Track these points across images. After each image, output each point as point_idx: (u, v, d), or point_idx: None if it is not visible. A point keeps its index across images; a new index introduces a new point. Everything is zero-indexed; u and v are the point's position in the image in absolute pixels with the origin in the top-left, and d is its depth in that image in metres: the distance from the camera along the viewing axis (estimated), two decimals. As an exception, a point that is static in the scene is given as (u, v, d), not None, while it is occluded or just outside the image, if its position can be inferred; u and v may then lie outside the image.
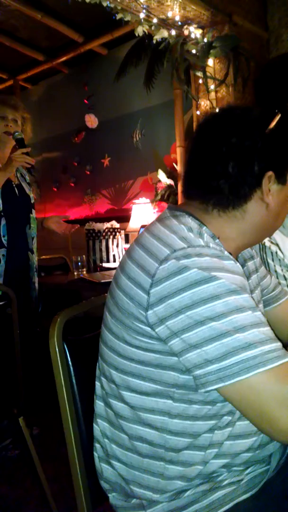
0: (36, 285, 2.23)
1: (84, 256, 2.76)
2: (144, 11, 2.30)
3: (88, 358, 0.94)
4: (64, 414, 0.88)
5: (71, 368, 0.91)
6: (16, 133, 2.07)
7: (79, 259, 2.69)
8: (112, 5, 2.25)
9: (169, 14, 2.41)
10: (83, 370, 0.93)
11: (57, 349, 0.89)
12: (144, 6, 2.27)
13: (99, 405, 0.89)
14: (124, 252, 2.97)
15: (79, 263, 2.68)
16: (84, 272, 2.66)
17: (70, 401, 0.89)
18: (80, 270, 2.67)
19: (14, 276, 2.04)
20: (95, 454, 0.88)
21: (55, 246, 3.85)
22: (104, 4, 2.22)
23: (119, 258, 2.95)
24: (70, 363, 0.91)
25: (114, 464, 0.84)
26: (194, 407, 0.78)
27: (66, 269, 3.30)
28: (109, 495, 0.86)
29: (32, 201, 2.24)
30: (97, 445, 0.88)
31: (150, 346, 0.77)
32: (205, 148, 0.84)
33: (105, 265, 2.74)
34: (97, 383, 0.90)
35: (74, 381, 0.91)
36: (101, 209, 3.91)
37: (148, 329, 0.75)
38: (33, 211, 2.23)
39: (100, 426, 0.87)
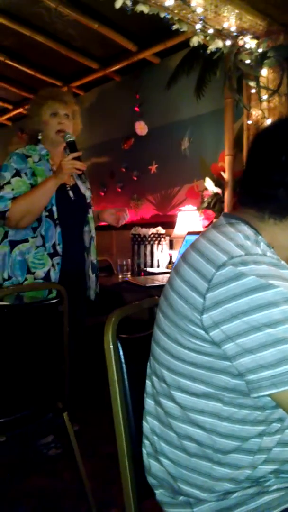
0: (94, 284, 2.21)
1: (129, 259, 2.81)
2: (200, 22, 2.34)
3: (139, 356, 0.98)
4: (115, 409, 0.92)
5: (124, 365, 0.95)
6: (68, 135, 2.00)
7: (124, 262, 2.74)
8: (169, 16, 2.30)
9: (225, 25, 2.43)
10: (134, 368, 0.96)
11: (111, 346, 0.93)
12: (201, 17, 2.31)
13: (149, 403, 0.91)
14: (168, 257, 3.01)
15: (124, 267, 2.73)
16: (129, 275, 2.70)
17: (121, 397, 0.92)
18: (124, 273, 2.72)
19: (69, 277, 2.01)
20: (143, 450, 0.91)
21: (99, 248, 3.94)
22: (162, 15, 2.27)
23: (163, 263, 2.98)
24: (123, 360, 0.94)
25: (162, 460, 0.87)
26: (244, 411, 0.79)
27: (110, 271, 3.36)
28: (156, 491, 0.89)
29: (89, 200, 2.20)
30: (146, 442, 0.91)
31: (202, 348, 0.79)
32: (263, 157, 0.86)
33: (149, 269, 2.78)
34: (148, 382, 0.93)
35: (126, 377, 0.94)
36: (146, 214, 3.96)
37: (201, 332, 0.77)
38: (90, 210, 2.20)
39: (149, 424, 0.90)
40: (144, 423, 0.92)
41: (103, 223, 2.37)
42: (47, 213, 1.97)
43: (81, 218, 2.15)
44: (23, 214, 1.91)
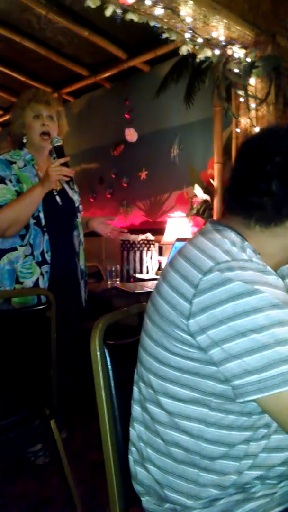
0: (83, 290, 2.18)
1: (118, 266, 2.81)
2: (190, 31, 2.36)
3: (126, 362, 0.97)
4: (101, 415, 0.91)
5: (110, 371, 0.94)
6: (55, 140, 1.94)
7: (113, 268, 2.73)
8: (159, 25, 2.32)
9: (214, 34, 2.46)
10: (121, 374, 0.96)
11: (98, 352, 0.93)
12: (190, 26, 2.33)
13: (136, 409, 0.91)
14: (157, 264, 3.01)
15: (113, 273, 2.73)
16: (118, 282, 2.70)
17: (108, 403, 0.92)
18: (113, 279, 2.72)
19: (60, 284, 1.98)
20: (130, 457, 0.91)
21: (89, 254, 3.93)
22: (151, 24, 2.29)
23: (152, 269, 2.98)
24: (109, 366, 0.94)
25: (149, 468, 0.86)
26: (230, 417, 0.79)
27: (99, 277, 3.36)
28: (142, 498, 0.88)
29: (77, 204, 2.15)
30: (132, 449, 0.90)
31: (189, 354, 0.79)
32: (249, 165, 0.86)
33: (138, 276, 2.78)
34: (135, 388, 0.93)
35: (112, 384, 0.94)
36: (135, 221, 3.97)
37: (188, 337, 0.78)
38: (79, 215, 2.16)
39: (136, 430, 0.90)
40: (131, 429, 0.91)
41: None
42: (34, 221, 1.93)
43: (70, 223, 2.11)
44: (10, 223, 1.85)
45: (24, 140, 2.05)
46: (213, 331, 0.74)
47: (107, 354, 0.94)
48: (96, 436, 2.40)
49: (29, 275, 1.92)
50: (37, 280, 1.93)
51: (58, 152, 1.92)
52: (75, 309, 2.15)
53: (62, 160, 1.86)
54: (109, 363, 0.94)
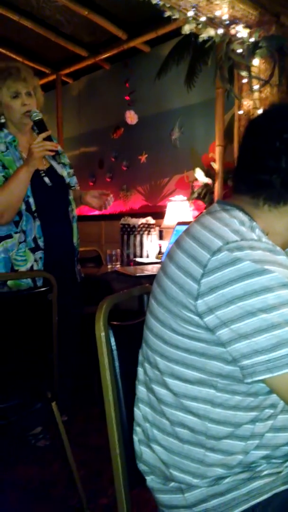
0: (76, 266, 2.14)
1: (118, 250, 2.80)
2: (193, 9, 2.31)
3: (130, 344, 0.97)
4: (106, 396, 0.91)
5: (115, 352, 0.94)
6: (34, 114, 1.85)
7: (113, 252, 2.72)
8: (161, 3, 2.27)
9: (217, 13, 2.41)
10: (125, 355, 0.95)
11: (102, 333, 0.92)
12: (193, 4, 2.28)
13: (141, 390, 0.91)
14: (157, 248, 3.00)
15: (113, 257, 2.71)
16: (118, 266, 2.69)
17: (113, 384, 0.91)
18: (113, 263, 2.71)
19: (58, 267, 1.94)
20: (135, 437, 0.91)
21: (88, 239, 3.92)
22: (154, 1, 2.24)
23: (153, 253, 2.97)
24: (114, 347, 0.94)
25: (154, 447, 0.86)
26: (237, 397, 0.79)
27: (98, 261, 3.34)
28: (147, 477, 0.88)
29: (68, 180, 2.06)
30: (137, 429, 0.90)
31: (196, 335, 0.78)
32: (257, 143, 0.85)
33: (138, 259, 2.77)
34: (140, 369, 0.92)
35: (117, 364, 0.93)
36: (135, 205, 3.94)
37: (196, 318, 0.77)
38: (70, 192, 2.08)
39: (141, 411, 0.90)
40: (136, 410, 0.91)
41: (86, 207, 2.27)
42: (24, 206, 1.88)
43: (63, 202, 2.04)
44: (2, 210, 1.81)
45: (3, 120, 1.97)
46: (222, 311, 0.73)
47: (111, 335, 0.94)
48: (96, 420, 2.44)
49: (23, 262, 1.89)
50: (31, 267, 1.91)
51: (39, 126, 1.85)
52: (72, 289, 2.11)
53: (43, 135, 1.78)
54: (113, 344, 0.94)
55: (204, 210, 0.91)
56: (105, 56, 3.85)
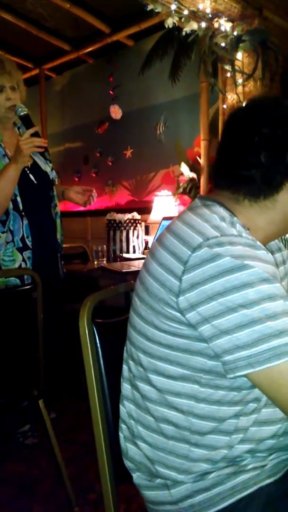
0: (60, 263, 2.13)
1: (104, 246, 2.79)
2: (175, 2, 2.29)
3: (115, 341, 0.97)
4: (91, 393, 0.91)
5: (99, 349, 0.93)
6: (19, 109, 1.80)
7: (99, 248, 2.71)
8: (143, -4, 2.25)
9: (200, 6, 2.40)
10: (110, 353, 0.95)
11: (86, 331, 0.92)
12: (176, -2, 2.27)
13: (125, 387, 0.91)
14: (143, 243, 3.00)
15: (99, 253, 2.70)
16: (105, 262, 2.68)
17: (97, 382, 0.91)
18: (100, 259, 2.70)
19: (44, 265, 1.94)
20: (120, 434, 0.91)
21: (74, 235, 3.90)
22: (136, -6, 2.22)
23: (139, 249, 2.97)
24: (98, 345, 0.93)
25: (139, 444, 0.86)
26: (220, 392, 0.79)
27: (85, 258, 3.33)
28: (133, 474, 0.88)
29: (51, 176, 2.03)
30: (123, 426, 0.90)
31: (179, 331, 0.78)
32: (237, 138, 0.85)
33: (125, 255, 2.77)
34: (125, 366, 0.92)
35: (102, 362, 0.93)
36: (121, 200, 3.93)
37: (178, 314, 0.77)
38: (54, 188, 2.06)
39: (126, 408, 0.90)
40: (121, 407, 0.91)
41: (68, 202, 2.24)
42: (12, 205, 1.85)
43: (47, 199, 2.02)
44: None
45: None
46: (203, 307, 0.73)
47: (96, 333, 0.93)
48: (83, 417, 2.44)
49: (12, 262, 1.87)
50: (20, 267, 1.89)
51: (25, 121, 1.81)
52: (56, 286, 2.10)
53: (31, 131, 1.75)
54: (98, 341, 0.94)
55: (186, 207, 0.91)
56: (88, 50, 3.82)
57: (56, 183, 2.13)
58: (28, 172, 1.94)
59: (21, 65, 4.19)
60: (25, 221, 1.89)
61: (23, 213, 1.89)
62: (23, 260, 1.90)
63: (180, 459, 0.81)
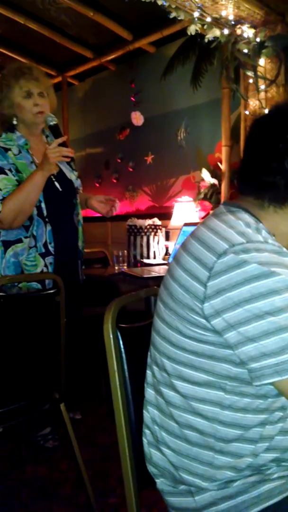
0: (80, 269, 2.15)
1: (125, 251, 2.80)
2: (198, 10, 2.31)
3: (139, 346, 0.97)
4: (115, 398, 0.91)
5: (123, 354, 0.94)
6: (49, 118, 1.83)
7: (120, 253, 2.72)
8: (166, 4, 2.27)
9: (223, 13, 2.40)
10: (133, 357, 0.95)
11: (111, 335, 0.92)
12: (199, 5, 2.28)
13: (149, 392, 0.91)
14: (164, 248, 3.00)
15: (120, 258, 2.71)
16: (125, 267, 2.69)
17: (121, 386, 0.92)
18: (120, 264, 2.71)
19: (65, 270, 1.95)
20: (144, 439, 0.91)
21: (94, 240, 3.93)
22: (159, 2, 2.24)
23: (159, 254, 2.97)
24: (122, 349, 0.94)
25: (163, 450, 0.86)
26: (246, 400, 0.79)
27: (105, 262, 3.35)
28: (157, 480, 0.88)
29: (76, 184, 2.07)
30: (146, 431, 0.90)
31: (204, 337, 0.78)
32: (261, 144, 0.85)
33: (145, 260, 2.77)
34: (148, 371, 0.93)
35: (125, 367, 0.94)
36: (141, 206, 3.94)
37: (203, 320, 0.77)
38: (77, 196, 2.09)
39: (150, 413, 0.90)
40: (144, 412, 0.91)
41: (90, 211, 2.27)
42: (36, 211, 1.88)
43: (71, 206, 2.05)
44: (16, 214, 1.80)
45: (15, 122, 1.95)
46: (229, 314, 0.73)
47: (120, 337, 0.94)
48: (104, 420, 2.45)
49: (34, 267, 1.89)
50: (41, 272, 1.90)
51: (54, 131, 1.83)
52: (75, 291, 2.12)
53: (59, 140, 1.78)
54: (122, 346, 0.94)
55: (210, 212, 0.91)
56: (110, 58, 3.86)
57: (80, 191, 2.16)
58: (53, 179, 1.96)
59: (43, 72, 4.26)
60: (49, 227, 1.91)
61: (46, 219, 1.91)
62: (45, 265, 1.91)
63: (204, 466, 0.81)
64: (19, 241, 1.89)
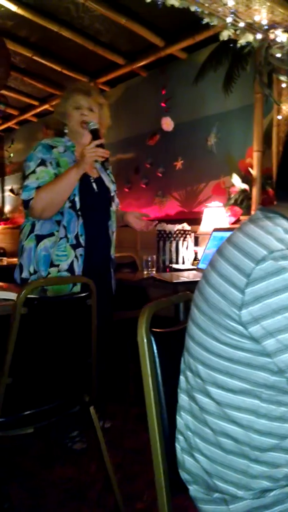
0: (113, 278, 2.22)
1: (154, 256, 2.80)
2: (232, 15, 2.30)
3: (172, 351, 0.97)
4: (148, 403, 0.91)
5: (157, 359, 0.94)
6: (91, 123, 1.98)
7: (149, 258, 2.73)
8: (200, 10, 2.27)
9: (256, 18, 2.39)
10: (167, 362, 0.95)
11: (145, 340, 0.93)
12: (232, 10, 2.27)
13: (183, 398, 0.91)
14: (193, 254, 2.99)
15: (149, 262, 2.72)
16: (154, 272, 2.70)
17: (155, 391, 0.92)
18: (149, 269, 2.71)
19: (95, 271, 2.00)
20: (177, 445, 0.91)
21: (124, 244, 3.95)
22: (192, 9, 2.25)
23: (188, 260, 2.96)
24: (156, 354, 0.94)
25: (197, 456, 0.86)
26: (282, 409, 0.78)
27: (134, 267, 3.36)
28: (190, 487, 0.88)
29: (112, 193, 2.18)
30: (180, 437, 0.90)
31: (240, 344, 0.78)
32: None
33: (174, 266, 2.77)
34: (182, 377, 0.92)
35: (159, 371, 0.94)
36: (170, 211, 3.95)
37: (239, 327, 0.76)
38: (113, 204, 2.19)
39: (183, 419, 0.90)
40: (178, 418, 0.91)
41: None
42: (69, 204, 1.96)
43: (105, 211, 2.14)
44: (47, 204, 1.90)
45: (66, 131, 2.11)
46: (268, 321, 0.72)
47: (153, 342, 0.94)
48: (132, 423, 2.44)
49: (64, 257, 1.95)
50: (72, 263, 1.96)
51: (94, 134, 1.95)
52: (107, 297, 2.16)
53: (97, 142, 1.90)
54: (155, 351, 0.94)
55: (246, 218, 0.91)
56: (142, 64, 3.89)
57: (118, 208, 2.25)
58: (92, 181, 2.08)
59: (76, 80, 4.34)
60: (81, 221, 1.99)
61: (79, 213, 1.99)
62: (75, 256, 1.97)
63: (239, 474, 0.80)
64: (51, 235, 1.97)
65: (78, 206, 1.98)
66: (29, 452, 2.11)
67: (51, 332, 1.49)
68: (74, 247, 1.97)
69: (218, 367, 0.81)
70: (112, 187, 2.19)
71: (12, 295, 1.69)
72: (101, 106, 2.15)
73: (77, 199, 1.98)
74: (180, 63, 3.78)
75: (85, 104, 2.07)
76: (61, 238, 1.96)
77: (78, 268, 1.97)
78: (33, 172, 1.94)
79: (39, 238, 1.97)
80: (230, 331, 0.78)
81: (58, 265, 1.95)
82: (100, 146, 1.90)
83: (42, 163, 1.95)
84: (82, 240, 1.98)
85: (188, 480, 0.88)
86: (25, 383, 1.45)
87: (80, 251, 1.98)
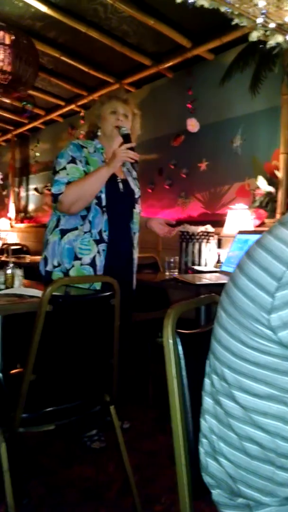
0: (135, 279, 2.26)
1: (177, 257, 2.80)
2: (262, 16, 2.27)
3: (197, 353, 0.96)
4: (172, 404, 0.90)
5: (182, 361, 0.93)
6: (123, 129, 2.09)
7: (171, 259, 2.72)
8: (230, 11, 2.25)
9: (287, 19, 2.35)
10: (192, 365, 0.94)
11: (170, 341, 0.92)
12: (263, 11, 2.24)
13: (207, 401, 0.90)
14: (216, 256, 2.96)
15: (171, 264, 2.71)
16: (176, 273, 2.69)
17: (179, 393, 0.91)
18: (171, 270, 2.71)
19: (117, 270, 2.03)
20: (200, 448, 0.90)
21: (145, 245, 3.94)
22: (222, 9, 2.23)
23: (211, 262, 2.94)
24: (181, 355, 0.93)
25: (221, 460, 0.85)
26: (310, 416, 0.76)
27: (156, 268, 3.36)
28: (213, 491, 0.87)
29: (137, 196, 2.26)
30: (203, 440, 0.89)
31: (268, 349, 0.76)
32: None
33: (196, 267, 2.75)
34: (207, 380, 0.91)
35: (184, 373, 0.93)
36: (193, 212, 3.92)
37: (268, 332, 0.75)
38: (137, 206, 2.25)
39: (207, 422, 0.89)
40: (202, 421, 0.90)
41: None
42: (95, 200, 2.04)
43: (128, 211, 2.20)
44: (76, 198, 1.97)
45: (98, 133, 2.20)
46: (298, 326, 0.70)
47: (179, 344, 0.93)
48: (151, 425, 2.44)
49: (87, 251, 2.02)
50: (94, 257, 2.02)
51: (125, 138, 2.05)
52: (128, 297, 2.16)
53: (129, 145, 2.00)
54: (181, 352, 0.93)
55: (271, 221, 0.89)
56: (168, 65, 3.88)
57: (140, 213, 2.30)
58: (118, 181, 2.16)
59: (102, 80, 4.37)
60: (105, 217, 2.05)
61: (104, 209, 2.05)
62: (98, 252, 2.03)
63: (264, 481, 0.79)
64: (75, 229, 2.04)
65: (104, 202, 2.06)
66: (48, 450, 2.13)
67: (75, 330, 1.50)
68: (97, 242, 2.04)
69: (244, 371, 0.80)
70: (136, 190, 2.26)
71: (37, 292, 1.72)
72: (134, 116, 2.27)
73: (103, 196, 2.06)
74: (206, 64, 3.76)
75: (121, 110, 2.17)
76: (85, 232, 2.03)
77: (100, 263, 2.03)
78: (64, 168, 2.02)
79: (63, 232, 2.05)
80: (258, 335, 0.77)
81: (81, 258, 2.01)
82: (131, 149, 2.00)
83: (73, 160, 2.04)
84: (105, 236, 2.05)
85: (211, 484, 0.87)
86: (48, 380, 1.47)
87: (102, 246, 2.04)
